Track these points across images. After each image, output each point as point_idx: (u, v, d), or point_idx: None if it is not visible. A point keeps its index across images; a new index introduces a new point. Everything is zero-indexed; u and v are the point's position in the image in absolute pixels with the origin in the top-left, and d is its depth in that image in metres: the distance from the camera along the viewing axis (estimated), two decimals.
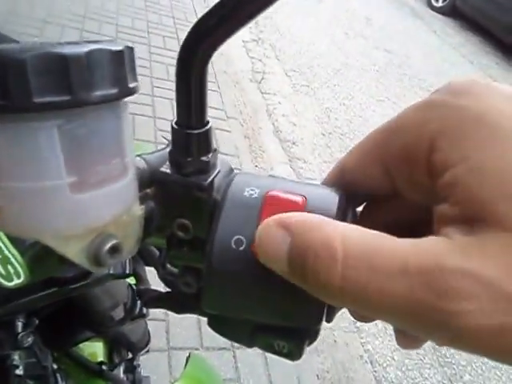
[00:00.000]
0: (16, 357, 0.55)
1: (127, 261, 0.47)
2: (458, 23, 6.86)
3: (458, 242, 0.18)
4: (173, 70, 3.22)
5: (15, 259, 0.30)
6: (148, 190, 0.27)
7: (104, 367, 0.74)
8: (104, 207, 0.23)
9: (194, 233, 0.26)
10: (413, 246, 0.18)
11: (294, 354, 0.25)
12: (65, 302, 0.47)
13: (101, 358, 0.78)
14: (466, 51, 5.96)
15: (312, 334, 0.25)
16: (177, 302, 0.33)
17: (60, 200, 0.22)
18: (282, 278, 0.21)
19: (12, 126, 0.20)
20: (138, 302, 0.69)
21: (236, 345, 1.80)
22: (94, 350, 0.77)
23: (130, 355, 0.87)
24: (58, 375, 0.61)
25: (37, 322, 0.59)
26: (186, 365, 0.81)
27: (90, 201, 0.22)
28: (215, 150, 0.26)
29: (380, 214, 0.27)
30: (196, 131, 0.25)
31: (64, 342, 0.66)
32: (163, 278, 0.34)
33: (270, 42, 4.45)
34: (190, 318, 1.82)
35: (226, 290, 0.24)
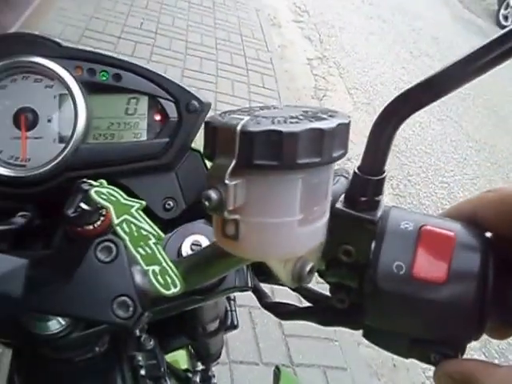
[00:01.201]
0: (140, 358, 0.59)
1: (249, 275, 0.52)
2: None
3: None
4: (238, 86, 3.30)
5: (172, 271, 0.34)
6: None
7: (190, 375, 0.78)
8: (313, 238, 0.29)
9: (355, 257, 0.31)
10: None
11: None
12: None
13: (184, 366, 0.81)
14: None
15: (463, 348, 0.29)
16: (322, 315, 0.38)
17: (289, 232, 0.28)
18: (436, 299, 0.27)
19: (272, 177, 0.26)
20: (230, 313, 0.75)
21: (295, 361, 1.81)
22: (176, 358, 0.81)
23: (202, 365, 0.89)
24: (167, 377, 0.65)
25: (147, 327, 0.63)
26: (275, 379, 0.81)
27: (306, 233, 0.28)
28: (383, 192, 0.32)
29: (506, 257, 0.30)
30: (376, 178, 0.30)
31: (164, 348, 0.69)
32: (302, 294, 0.41)
33: (335, 60, 4.46)
34: (247, 333, 1.84)
35: (388, 308, 0.29)
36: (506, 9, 7.01)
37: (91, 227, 0.47)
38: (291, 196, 0.27)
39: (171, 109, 0.56)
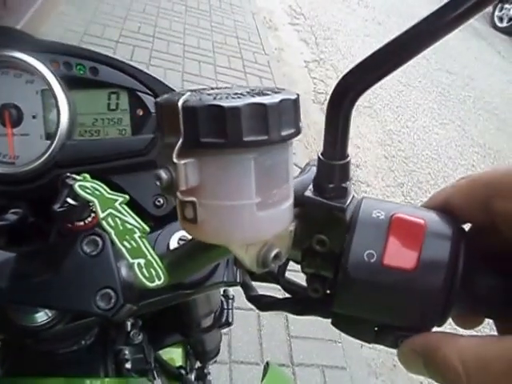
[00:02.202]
0: (127, 351, 0.61)
1: (238, 271, 0.52)
2: None
3: None
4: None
5: (157, 263, 0.34)
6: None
7: (183, 372, 0.78)
8: (276, 223, 0.29)
9: (329, 247, 0.30)
10: None
11: None
12: (168, 306, 0.53)
13: (179, 363, 0.81)
14: None
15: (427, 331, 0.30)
16: (296, 305, 0.38)
17: (249, 216, 0.27)
18: (406, 286, 0.27)
19: (222, 157, 0.26)
20: (226, 311, 0.77)
21: (295, 361, 1.82)
22: (172, 355, 0.81)
23: (199, 363, 0.90)
24: (154, 372, 0.66)
25: (140, 322, 0.65)
26: (263, 374, 0.81)
27: (268, 217, 0.28)
28: (351, 178, 0.31)
29: (480, 246, 0.29)
30: (340, 162, 0.29)
31: (156, 344, 0.71)
32: (283, 286, 0.41)
33: (332, 63, 4.45)
34: (252, 334, 1.85)
35: (358, 295, 0.29)
36: (500, 11, 7.05)
37: (82, 223, 0.48)
38: (245, 177, 0.26)
39: (151, 103, 0.55)
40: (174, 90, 0.55)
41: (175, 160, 0.25)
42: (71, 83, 0.53)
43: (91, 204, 0.36)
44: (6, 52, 0.51)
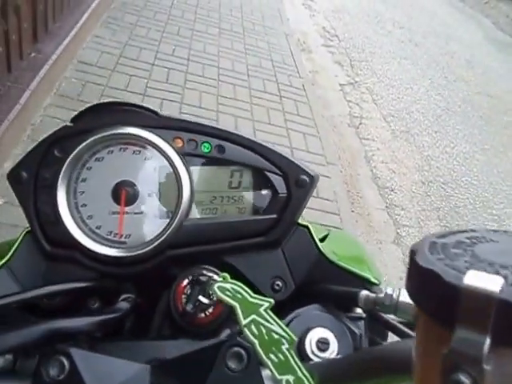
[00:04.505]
0: None
1: None
2: None
3: None
4: (273, 113, 3.22)
5: (308, 382, 0.32)
6: None
7: None
8: None
9: None
10: None
11: None
12: None
13: None
14: None
15: None
16: None
17: None
18: None
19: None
20: None
21: None
22: None
23: None
24: None
25: None
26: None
27: None
28: None
29: None
30: None
31: None
32: None
33: (367, 86, 4.36)
34: None
35: None
36: None
37: (203, 315, 0.45)
38: None
39: (279, 183, 0.52)
40: (304, 170, 0.53)
41: (484, 365, 0.21)
42: (194, 161, 0.52)
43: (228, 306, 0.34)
44: (126, 129, 0.50)
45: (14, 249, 0.51)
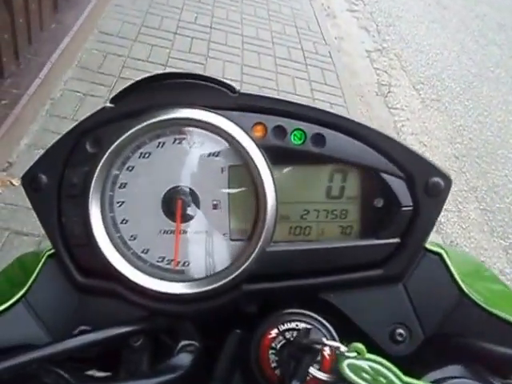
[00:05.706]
0: None
1: None
2: None
3: None
4: (299, 82, 3.11)
5: None
6: None
7: None
8: None
9: None
10: None
11: None
12: None
13: None
14: None
15: None
16: None
17: None
18: None
19: None
20: None
21: None
22: None
23: None
24: None
25: None
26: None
27: None
28: None
29: None
30: None
31: None
32: None
33: (395, 52, 4.19)
34: None
35: None
36: None
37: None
38: None
39: (401, 190, 0.37)
40: (438, 169, 0.38)
41: None
42: (279, 157, 0.36)
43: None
44: (181, 113, 0.36)
45: (33, 277, 0.39)
